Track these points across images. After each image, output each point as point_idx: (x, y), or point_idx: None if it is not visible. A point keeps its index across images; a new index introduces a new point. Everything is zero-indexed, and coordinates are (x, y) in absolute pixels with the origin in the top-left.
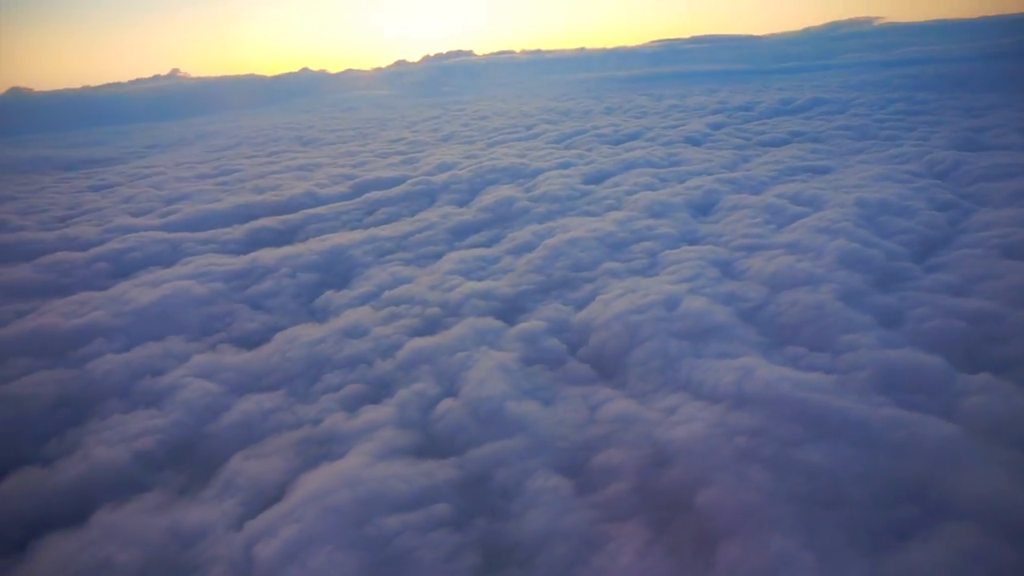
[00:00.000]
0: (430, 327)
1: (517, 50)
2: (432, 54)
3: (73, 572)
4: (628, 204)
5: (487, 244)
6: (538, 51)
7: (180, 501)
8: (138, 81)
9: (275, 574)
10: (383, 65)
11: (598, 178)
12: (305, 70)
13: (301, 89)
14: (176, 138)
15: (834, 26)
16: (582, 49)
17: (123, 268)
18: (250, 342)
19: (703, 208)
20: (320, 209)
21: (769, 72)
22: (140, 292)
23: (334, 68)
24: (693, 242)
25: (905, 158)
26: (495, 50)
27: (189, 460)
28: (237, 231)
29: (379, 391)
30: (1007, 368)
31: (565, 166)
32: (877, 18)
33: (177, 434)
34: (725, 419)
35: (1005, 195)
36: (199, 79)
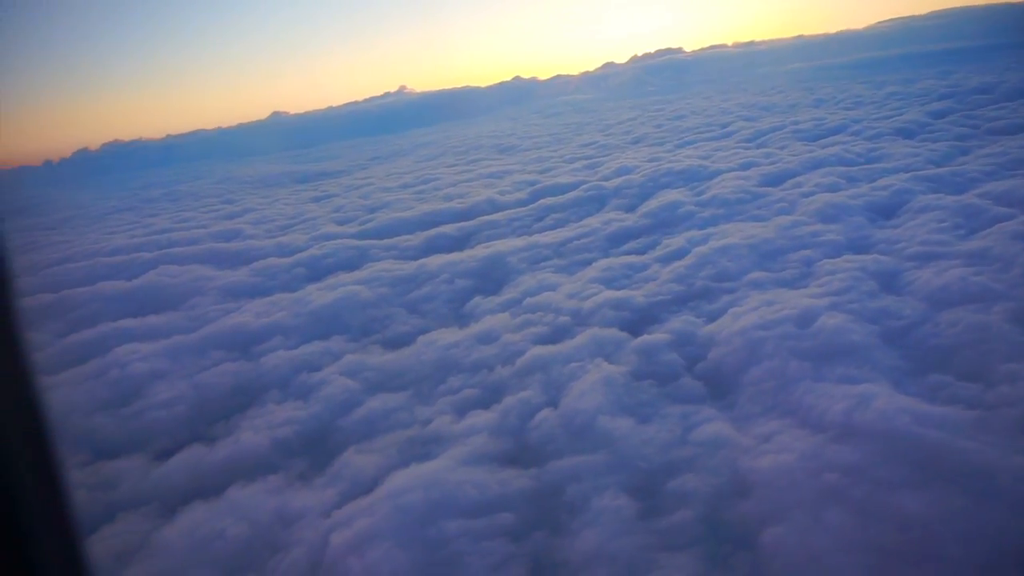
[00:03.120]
0: (556, 335)
1: (729, 43)
2: (640, 54)
3: (194, 537)
4: (800, 207)
5: (640, 251)
6: (751, 43)
7: (294, 486)
8: (371, 99)
9: (339, 560)
10: (591, 69)
11: (778, 179)
12: (516, 78)
13: (512, 97)
14: (395, 150)
15: None
16: (799, 36)
17: (317, 273)
18: (397, 344)
19: (886, 211)
20: (496, 216)
21: None
22: (320, 295)
23: (544, 75)
24: (860, 250)
25: None
26: (705, 45)
27: (315, 450)
28: (417, 238)
29: (490, 396)
30: None
31: (746, 167)
32: None
33: (312, 425)
34: (821, 451)
35: None
36: (422, 93)
